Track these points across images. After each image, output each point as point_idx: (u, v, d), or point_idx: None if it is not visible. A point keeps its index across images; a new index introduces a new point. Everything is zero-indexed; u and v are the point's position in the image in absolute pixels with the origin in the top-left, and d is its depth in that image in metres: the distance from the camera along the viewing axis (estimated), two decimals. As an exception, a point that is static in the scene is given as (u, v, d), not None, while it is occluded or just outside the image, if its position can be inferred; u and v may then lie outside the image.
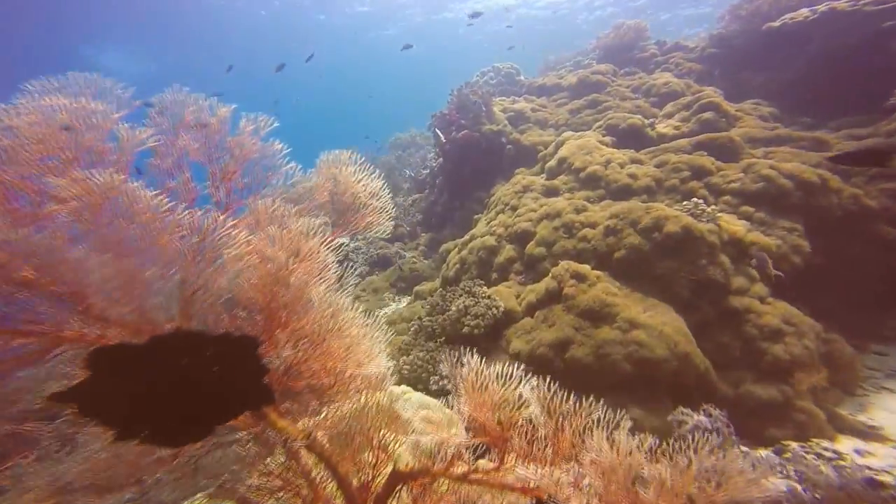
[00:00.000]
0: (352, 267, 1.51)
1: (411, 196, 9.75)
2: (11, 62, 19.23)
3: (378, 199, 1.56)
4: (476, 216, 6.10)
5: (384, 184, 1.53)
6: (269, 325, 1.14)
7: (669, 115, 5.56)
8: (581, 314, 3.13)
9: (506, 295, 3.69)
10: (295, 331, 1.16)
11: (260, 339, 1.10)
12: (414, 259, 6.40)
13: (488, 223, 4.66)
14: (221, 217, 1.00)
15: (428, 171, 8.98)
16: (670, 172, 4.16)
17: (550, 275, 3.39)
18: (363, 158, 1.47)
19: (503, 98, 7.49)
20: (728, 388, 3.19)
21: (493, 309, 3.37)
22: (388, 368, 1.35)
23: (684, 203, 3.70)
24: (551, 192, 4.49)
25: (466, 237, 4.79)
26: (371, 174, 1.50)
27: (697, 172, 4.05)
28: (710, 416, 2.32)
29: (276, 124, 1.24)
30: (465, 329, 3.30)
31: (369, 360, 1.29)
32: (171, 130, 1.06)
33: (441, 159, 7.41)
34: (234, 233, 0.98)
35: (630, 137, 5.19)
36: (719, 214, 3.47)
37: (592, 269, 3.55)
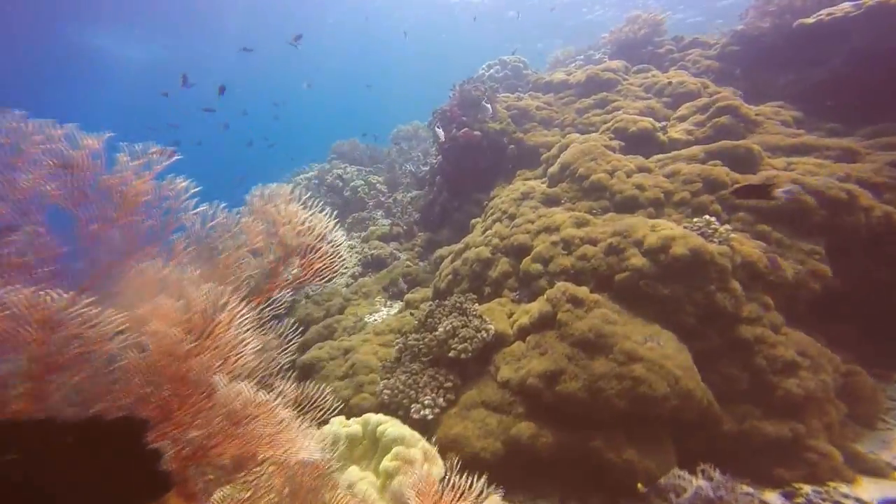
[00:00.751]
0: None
1: (410, 193, 9.48)
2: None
3: (330, 242, 1.31)
4: (473, 220, 5.82)
5: (336, 224, 1.29)
6: (164, 408, 0.91)
7: (683, 118, 5.19)
8: (575, 343, 2.88)
9: (497, 315, 3.45)
10: (199, 412, 0.93)
11: (150, 422, 0.88)
12: (408, 263, 6.17)
13: (484, 231, 4.39)
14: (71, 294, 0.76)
15: (428, 168, 8.69)
16: (681, 184, 3.84)
17: (545, 297, 3.13)
18: (308, 193, 1.22)
19: (508, 94, 7.13)
20: (733, 423, 2.94)
21: (483, 332, 3.14)
22: (323, 452, 1.13)
23: (695, 220, 3.39)
24: (552, 201, 4.20)
25: (461, 245, 4.54)
26: (321, 211, 1.26)
27: (710, 185, 3.73)
28: (710, 479, 2.07)
29: (175, 158, 0.98)
30: (452, 353, 3.07)
31: (296, 448, 1.06)
32: (9, 166, 0.81)
33: (440, 157, 7.11)
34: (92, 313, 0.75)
35: (639, 142, 4.84)
36: (733, 235, 3.16)
37: (591, 290, 3.28)
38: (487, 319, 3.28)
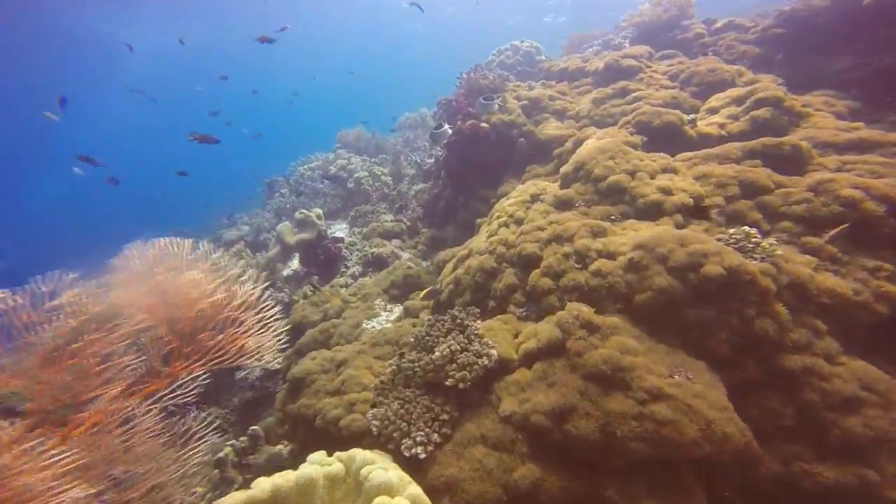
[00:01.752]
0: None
1: (415, 186, 9.10)
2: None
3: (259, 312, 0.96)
4: (479, 220, 5.44)
5: (265, 289, 0.94)
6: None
7: (714, 110, 4.66)
8: (588, 376, 2.52)
9: (501, 335, 3.10)
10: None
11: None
12: (410, 264, 5.84)
13: (489, 237, 4.01)
14: None
15: (433, 160, 8.27)
16: (713, 188, 3.39)
17: (555, 320, 2.76)
18: (217, 248, 0.89)
19: (519, 83, 6.62)
20: (777, 463, 2.57)
21: (484, 358, 2.80)
22: None
23: (731, 231, 2.95)
24: (564, 205, 3.78)
25: (464, 250, 4.17)
26: (243, 273, 0.91)
27: (749, 189, 3.26)
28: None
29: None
30: (450, 381, 2.74)
31: None
32: None
33: (444, 151, 6.68)
34: None
35: (664, 138, 4.36)
36: (779, 251, 2.72)
37: (607, 310, 2.90)
38: (489, 342, 2.93)
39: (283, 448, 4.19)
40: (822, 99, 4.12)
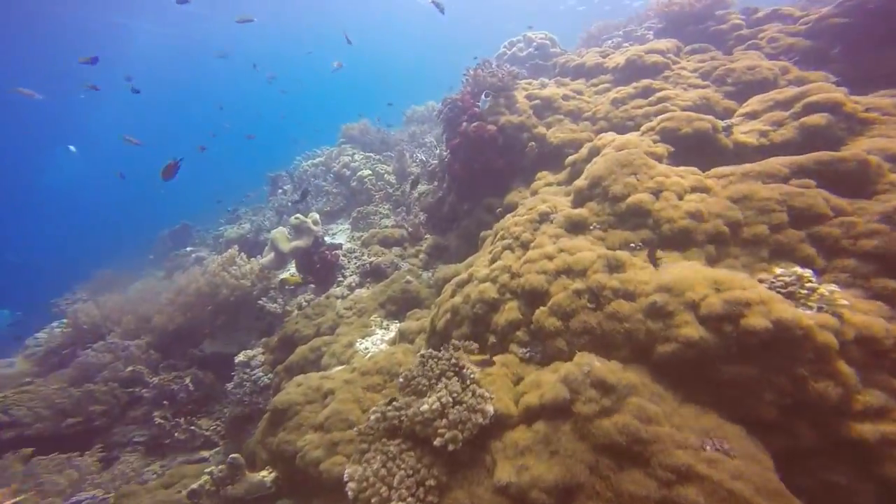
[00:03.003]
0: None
1: (418, 188, 8.66)
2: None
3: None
4: (484, 232, 5.02)
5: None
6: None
7: (754, 115, 4.09)
8: (600, 448, 2.12)
9: (500, 382, 2.72)
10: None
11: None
12: (409, 277, 5.46)
13: (492, 261, 3.60)
14: None
15: (437, 161, 7.81)
16: (755, 213, 2.89)
17: (563, 375, 2.36)
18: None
19: (530, 81, 6.08)
20: None
21: (478, 414, 2.42)
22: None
23: (778, 273, 2.48)
24: (577, 227, 3.33)
25: (464, 274, 3.77)
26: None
27: (800, 217, 2.76)
28: None
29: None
30: (438, 441, 2.38)
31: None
32: None
33: (448, 153, 6.23)
34: None
35: (694, 148, 3.83)
36: (841, 300, 2.24)
37: (623, 360, 2.48)
38: (486, 394, 2.55)
39: (266, 476, 3.90)
40: (891, 101, 3.50)
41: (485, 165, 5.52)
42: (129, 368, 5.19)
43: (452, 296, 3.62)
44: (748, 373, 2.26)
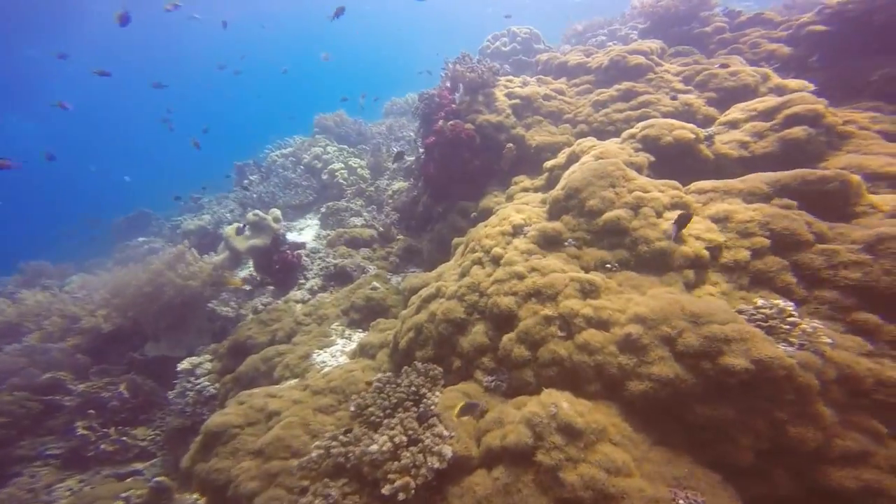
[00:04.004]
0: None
1: (393, 184, 8.26)
2: None
3: None
4: (456, 239, 4.72)
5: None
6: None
7: (735, 124, 3.95)
8: (563, 502, 1.89)
9: (461, 419, 2.44)
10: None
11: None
12: (375, 283, 5.12)
13: (461, 276, 3.31)
14: None
15: (414, 158, 7.43)
16: (736, 236, 2.72)
17: (526, 417, 2.11)
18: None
19: (511, 78, 5.77)
20: None
21: (435, 458, 2.15)
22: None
23: (759, 304, 2.30)
24: (551, 243, 3.09)
25: (432, 287, 3.48)
26: None
27: (782, 242, 2.60)
28: None
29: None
30: (387, 490, 2.09)
31: None
32: None
33: (423, 153, 5.88)
34: None
35: (675, 158, 3.65)
36: (824, 338, 2.09)
37: (591, 395, 2.27)
38: (444, 432, 2.28)
39: (198, 500, 3.53)
40: (867, 115, 3.41)
41: (461, 166, 5.20)
42: (48, 374, 4.63)
43: (417, 312, 3.32)
44: (725, 414, 2.09)
